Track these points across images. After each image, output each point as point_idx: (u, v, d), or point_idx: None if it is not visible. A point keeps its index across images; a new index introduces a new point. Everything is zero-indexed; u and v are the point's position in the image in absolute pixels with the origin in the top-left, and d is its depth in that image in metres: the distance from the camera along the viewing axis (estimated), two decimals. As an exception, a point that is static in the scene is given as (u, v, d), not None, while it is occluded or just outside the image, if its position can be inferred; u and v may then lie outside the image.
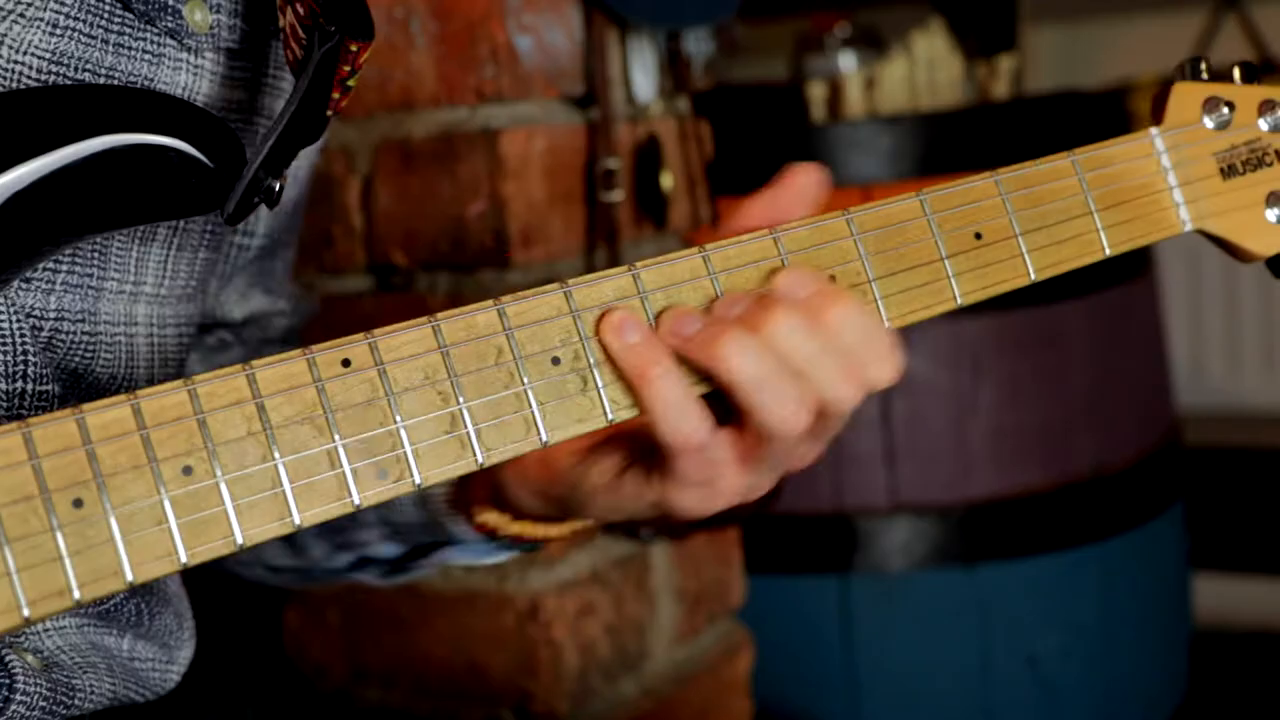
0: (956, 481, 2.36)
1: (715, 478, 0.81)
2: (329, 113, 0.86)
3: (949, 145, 2.37)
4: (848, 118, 2.71)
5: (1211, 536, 3.39)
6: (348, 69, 0.83)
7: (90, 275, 0.89)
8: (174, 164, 0.80)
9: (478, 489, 0.97)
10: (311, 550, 1.09)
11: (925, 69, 2.80)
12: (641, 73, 1.77)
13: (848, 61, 3.28)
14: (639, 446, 0.85)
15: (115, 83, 0.86)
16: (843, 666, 2.37)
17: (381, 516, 1.05)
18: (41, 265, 0.86)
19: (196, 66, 0.90)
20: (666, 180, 1.78)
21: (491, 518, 0.98)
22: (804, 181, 0.86)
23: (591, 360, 0.79)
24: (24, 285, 0.85)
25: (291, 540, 1.09)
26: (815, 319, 0.79)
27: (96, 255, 0.89)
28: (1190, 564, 2.75)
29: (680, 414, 0.78)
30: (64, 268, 0.87)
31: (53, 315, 0.87)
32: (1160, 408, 2.64)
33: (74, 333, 0.88)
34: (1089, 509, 2.43)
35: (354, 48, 0.81)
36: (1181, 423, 2.80)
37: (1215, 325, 4.24)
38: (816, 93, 2.78)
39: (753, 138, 2.40)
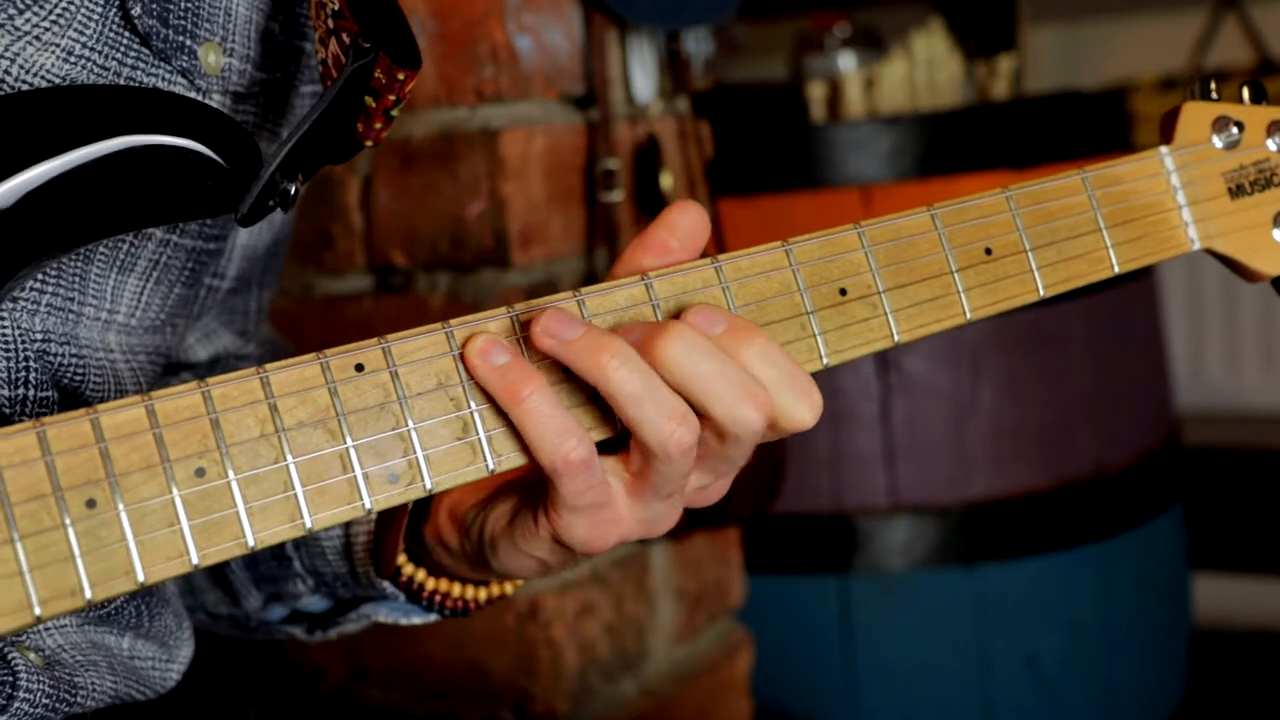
0: (956, 481, 2.36)
1: (603, 503, 0.79)
2: (369, 143, 0.86)
3: (949, 145, 2.37)
4: (847, 118, 2.71)
5: (1211, 536, 3.39)
6: (393, 98, 0.82)
7: (71, 299, 0.89)
8: (190, 165, 0.79)
9: (394, 541, 0.97)
10: (247, 600, 1.09)
11: (925, 69, 2.80)
12: (641, 73, 1.77)
13: (847, 61, 3.28)
14: (530, 488, 0.85)
15: None
16: (843, 666, 2.37)
17: (309, 566, 1.04)
18: (28, 285, 0.85)
19: None
20: (666, 180, 1.78)
21: (409, 569, 0.98)
22: (683, 222, 0.82)
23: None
24: (11, 303, 0.85)
25: (228, 589, 1.09)
26: (718, 344, 0.77)
27: (77, 279, 0.88)
28: (1190, 564, 2.75)
29: (557, 432, 0.76)
30: (49, 289, 0.87)
31: (39, 337, 0.87)
32: (1160, 408, 2.65)
33: (62, 355, 0.88)
34: (1089, 509, 2.44)
35: (401, 76, 0.81)
36: (1181, 423, 2.80)
37: (1215, 325, 4.24)
38: (816, 93, 2.78)
39: (753, 138, 2.40)
